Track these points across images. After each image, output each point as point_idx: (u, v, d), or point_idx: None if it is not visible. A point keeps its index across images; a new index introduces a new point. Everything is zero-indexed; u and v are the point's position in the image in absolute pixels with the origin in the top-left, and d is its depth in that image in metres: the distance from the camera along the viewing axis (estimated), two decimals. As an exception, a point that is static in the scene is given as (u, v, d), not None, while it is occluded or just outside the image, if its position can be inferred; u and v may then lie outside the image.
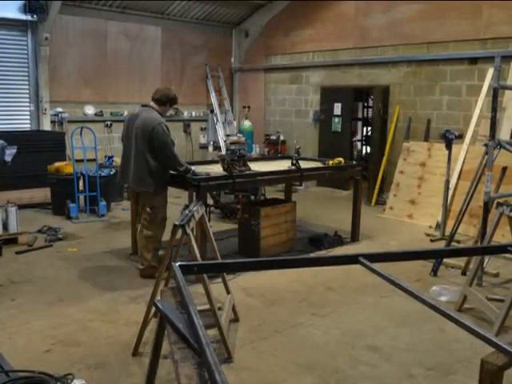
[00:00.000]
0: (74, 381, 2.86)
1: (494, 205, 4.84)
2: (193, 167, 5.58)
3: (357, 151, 11.61)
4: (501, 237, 5.88)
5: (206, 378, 1.69)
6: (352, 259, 2.28)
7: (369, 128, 12.82)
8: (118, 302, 4.65)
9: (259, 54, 12.58)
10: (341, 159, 6.90)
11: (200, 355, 1.77)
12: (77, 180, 7.79)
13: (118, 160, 9.50)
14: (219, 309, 4.06)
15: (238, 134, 10.26)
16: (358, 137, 13.54)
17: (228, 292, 4.29)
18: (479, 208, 5.81)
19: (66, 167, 8.04)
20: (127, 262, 5.85)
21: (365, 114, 13.63)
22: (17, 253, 6.02)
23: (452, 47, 8.90)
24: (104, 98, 10.74)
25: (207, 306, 3.69)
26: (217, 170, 5.93)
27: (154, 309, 3.87)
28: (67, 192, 7.74)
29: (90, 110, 10.50)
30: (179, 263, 2.06)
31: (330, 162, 6.81)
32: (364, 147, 13.47)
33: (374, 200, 9.40)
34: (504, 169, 5.72)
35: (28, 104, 9.88)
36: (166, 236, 3.89)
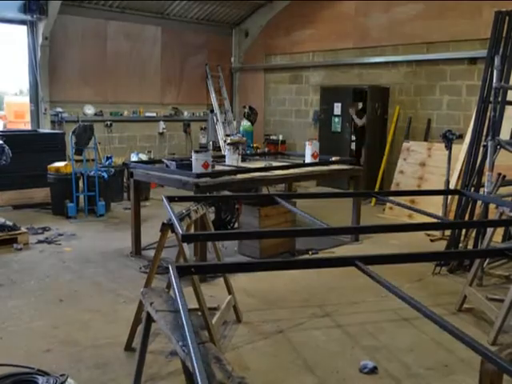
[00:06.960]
0: (69, 380, 2.85)
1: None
2: None
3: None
4: (501, 237, 5.88)
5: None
6: (348, 262, 2.26)
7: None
8: (118, 302, 4.64)
9: (259, 54, 12.58)
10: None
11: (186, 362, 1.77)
12: (76, 180, 7.80)
13: (117, 160, 9.50)
14: (214, 309, 4.05)
15: (238, 134, 10.23)
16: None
17: (229, 292, 4.29)
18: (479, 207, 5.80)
19: (65, 167, 8.04)
20: (127, 261, 5.85)
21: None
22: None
23: (452, 47, 8.90)
24: (104, 98, 10.74)
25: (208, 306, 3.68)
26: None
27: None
28: (67, 192, 7.74)
29: (89, 110, 10.50)
30: (176, 264, 2.06)
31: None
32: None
33: (373, 200, 9.39)
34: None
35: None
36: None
